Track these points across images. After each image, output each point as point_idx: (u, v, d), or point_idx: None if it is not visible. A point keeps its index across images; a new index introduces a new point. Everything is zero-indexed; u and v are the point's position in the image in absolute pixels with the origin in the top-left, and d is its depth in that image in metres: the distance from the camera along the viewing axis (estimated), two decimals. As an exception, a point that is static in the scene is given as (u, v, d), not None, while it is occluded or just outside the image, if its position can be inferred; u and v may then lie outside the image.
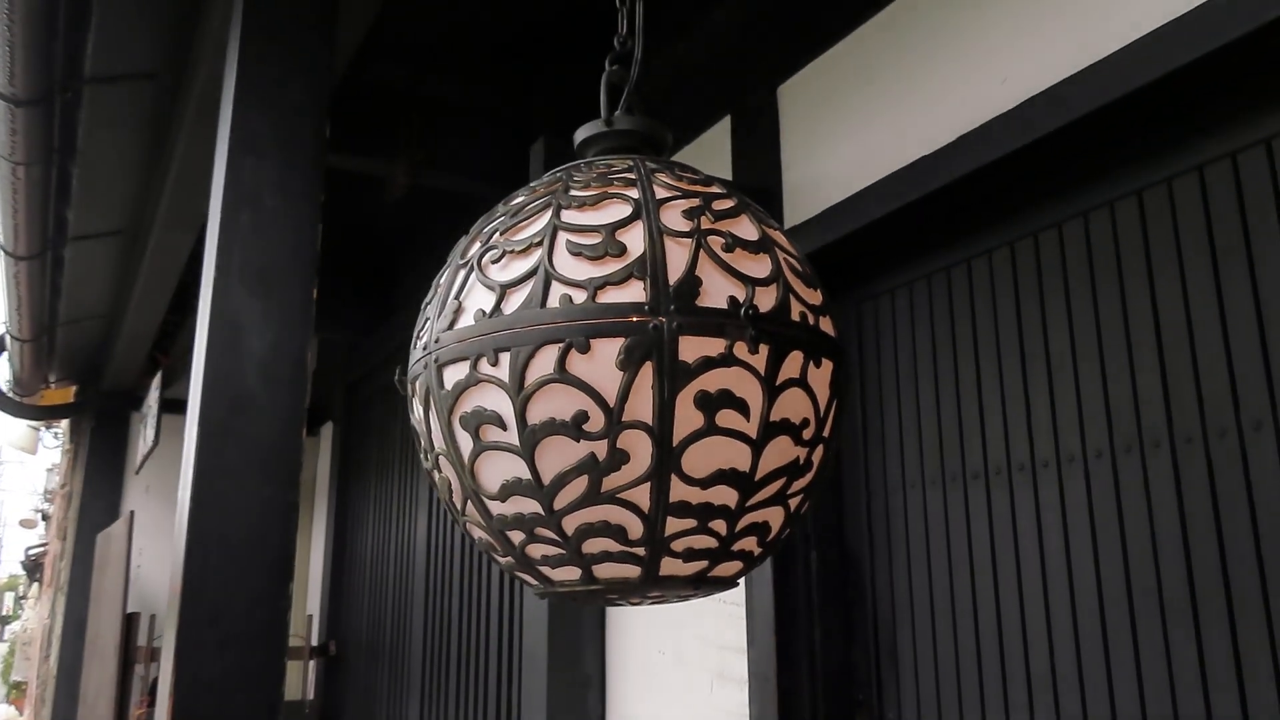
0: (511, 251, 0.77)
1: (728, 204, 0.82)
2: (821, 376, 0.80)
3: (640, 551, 0.75)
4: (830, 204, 2.02)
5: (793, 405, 0.77)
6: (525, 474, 0.74)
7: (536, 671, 2.56)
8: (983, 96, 1.71)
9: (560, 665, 2.53)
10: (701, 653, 2.24)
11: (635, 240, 0.75)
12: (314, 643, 4.92)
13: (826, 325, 0.82)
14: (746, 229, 0.81)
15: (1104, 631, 1.51)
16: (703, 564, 0.78)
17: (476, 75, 2.99)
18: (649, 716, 2.40)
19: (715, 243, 0.77)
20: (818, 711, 1.95)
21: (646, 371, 0.71)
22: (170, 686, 1.37)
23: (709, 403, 0.72)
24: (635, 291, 0.73)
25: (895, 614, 1.91)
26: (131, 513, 4.34)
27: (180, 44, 2.50)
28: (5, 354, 4.84)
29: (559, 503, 0.74)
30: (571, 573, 0.78)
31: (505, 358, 0.73)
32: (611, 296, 0.72)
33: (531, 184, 0.87)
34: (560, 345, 0.72)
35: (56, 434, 8.05)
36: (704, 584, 0.80)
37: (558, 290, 0.73)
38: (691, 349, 0.72)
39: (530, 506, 0.75)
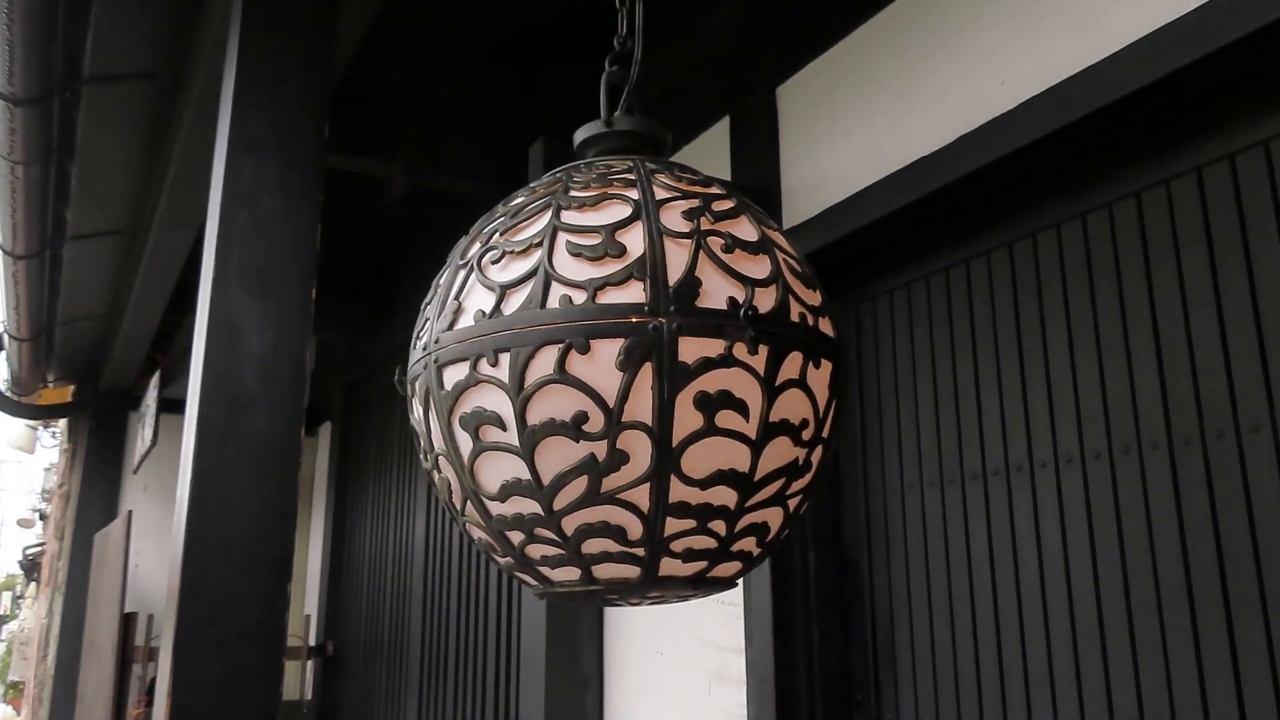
0: (511, 252, 0.78)
1: (727, 205, 0.82)
2: (821, 377, 0.80)
3: (640, 552, 0.75)
4: (829, 204, 2.02)
5: (792, 406, 0.77)
6: (525, 474, 0.74)
7: (535, 672, 2.56)
8: (981, 97, 1.72)
9: (558, 665, 2.53)
10: (700, 653, 2.24)
11: (635, 241, 0.75)
12: (312, 643, 4.92)
13: (826, 326, 0.82)
14: (746, 230, 0.81)
15: (1101, 632, 1.51)
16: (702, 564, 0.78)
17: (476, 75, 2.99)
18: (647, 717, 2.40)
19: (715, 243, 0.77)
20: (815, 712, 1.95)
21: (646, 372, 0.71)
22: (168, 686, 1.36)
23: (708, 403, 0.72)
24: (635, 292, 0.73)
25: (893, 615, 1.91)
26: (129, 512, 4.34)
27: (179, 43, 2.50)
28: (3, 353, 4.84)
29: (559, 503, 0.74)
30: (571, 573, 0.78)
31: (505, 358, 0.73)
32: (611, 297, 0.73)
33: (531, 184, 0.87)
34: (560, 346, 0.72)
35: (54, 433, 8.05)
36: (703, 584, 0.80)
37: (557, 291, 0.73)
38: (691, 350, 0.72)
39: (530, 507, 0.75)
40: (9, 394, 5.39)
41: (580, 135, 0.94)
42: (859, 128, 2.00)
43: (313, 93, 1.67)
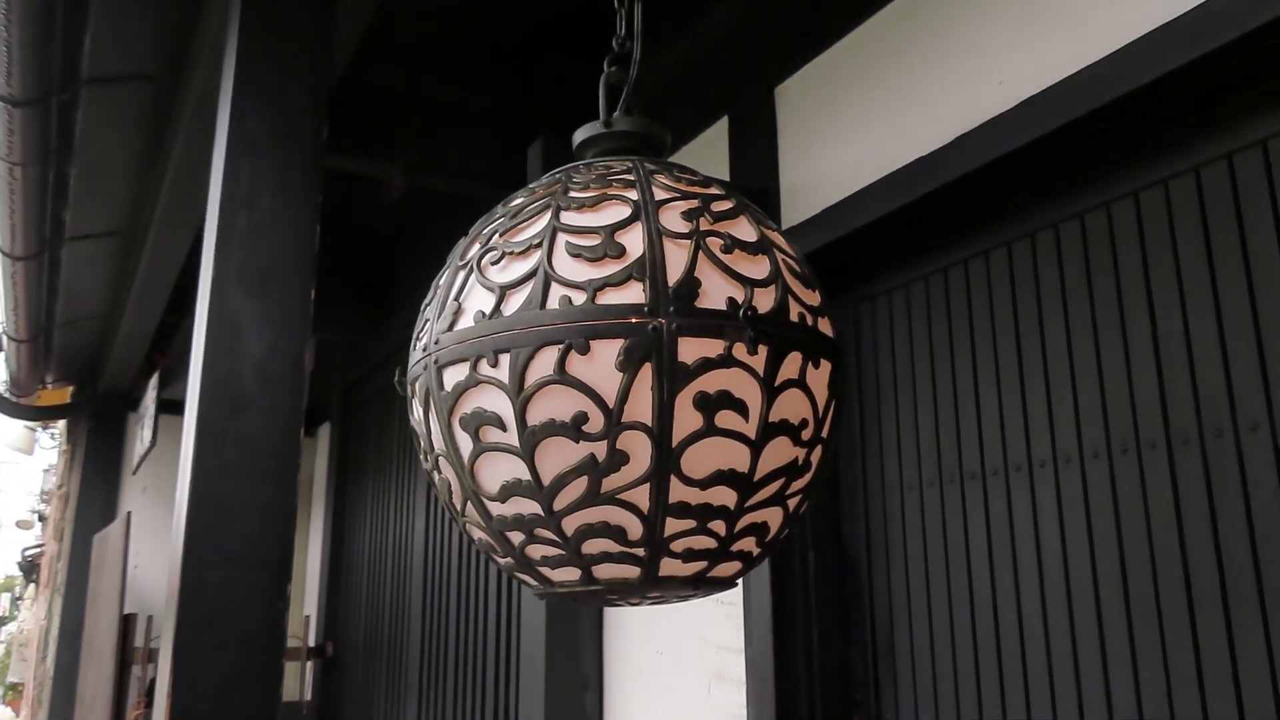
0: (511, 253, 0.78)
1: (726, 205, 0.82)
2: (820, 377, 0.80)
3: (640, 552, 0.75)
4: (828, 204, 2.02)
5: (791, 406, 0.77)
6: (525, 475, 0.74)
7: (534, 672, 2.56)
8: (980, 98, 1.72)
9: (558, 666, 2.53)
10: (699, 653, 2.24)
11: (634, 242, 0.75)
12: (311, 644, 4.91)
13: (825, 326, 0.82)
14: (745, 230, 0.81)
15: (1100, 631, 1.52)
16: (702, 564, 0.78)
17: (475, 76, 2.99)
18: (647, 717, 2.40)
19: (714, 244, 0.77)
20: (815, 712, 1.96)
21: (646, 373, 0.71)
22: (168, 687, 1.36)
23: (708, 404, 0.73)
24: (634, 293, 0.73)
25: (893, 614, 1.91)
26: (129, 513, 4.33)
27: (178, 45, 2.49)
28: (2, 354, 4.83)
29: (559, 503, 0.74)
30: (571, 573, 0.78)
31: (505, 359, 0.73)
32: (611, 298, 0.73)
33: (530, 185, 0.87)
34: (560, 346, 0.72)
35: (53, 435, 8.04)
36: (703, 584, 0.80)
37: (557, 292, 0.74)
38: (691, 350, 0.72)
39: (530, 507, 0.75)
40: (8, 395, 5.38)
41: (579, 136, 0.94)
42: (857, 127, 2.01)
43: (312, 93, 1.67)
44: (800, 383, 0.78)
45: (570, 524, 0.75)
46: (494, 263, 0.78)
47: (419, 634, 3.88)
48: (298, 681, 4.99)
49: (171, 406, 4.72)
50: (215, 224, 1.56)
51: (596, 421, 0.71)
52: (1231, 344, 1.40)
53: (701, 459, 0.73)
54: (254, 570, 1.44)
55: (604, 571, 0.77)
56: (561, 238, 0.76)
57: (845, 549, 2.05)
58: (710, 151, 2.43)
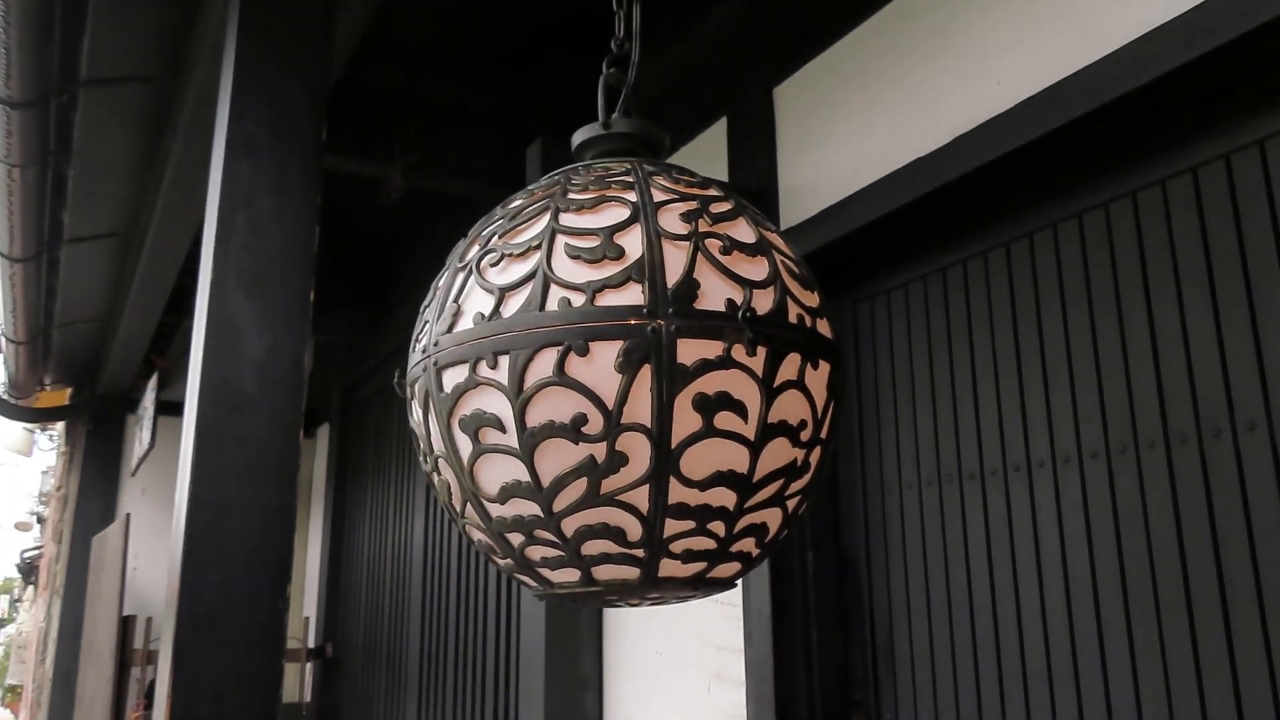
0: (510, 255, 0.78)
1: (725, 207, 0.82)
2: (819, 378, 0.80)
3: (639, 553, 0.76)
4: (826, 205, 2.02)
5: (790, 407, 0.77)
6: (524, 476, 0.74)
7: (534, 673, 2.56)
8: (978, 98, 1.72)
9: (558, 666, 2.53)
10: (699, 654, 2.24)
11: (633, 243, 0.75)
12: (311, 645, 4.91)
13: (824, 327, 0.82)
14: (744, 231, 0.81)
15: (1099, 631, 1.52)
16: (701, 565, 0.79)
17: (474, 77, 2.99)
18: (646, 717, 2.40)
19: (713, 245, 0.77)
20: (815, 712, 1.96)
21: (645, 374, 0.71)
22: (168, 689, 1.36)
23: (707, 405, 0.73)
24: (633, 294, 0.73)
25: (892, 614, 1.91)
26: (127, 515, 4.33)
27: (177, 45, 2.50)
28: (0, 356, 4.83)
29: (558, 505, 0.74)
30: (570, 574, 0.78)
31: (504, 360, 0.73)
32: (610, 299, 0.73)
33: (530, 187, 0.87)
34: (559, 348, 0.72)
35: (52, 436, 8.03)
36: (702, 585, 0.80)
37: (556, 293, 0.74)
38: (690, 351, 0.72)
39: (529, 509, 0.75)
40: (6, 397, 5.38)
41: (578, 137, 0.94)
42: (856, 128, 2.01)
43: (311, 94, 1.67)
44: (799, 384, 0.78)
45: (570, 525, 0.75)
46: (493, 264, 0.78)
47: (418, 635, 3.88)
48: (297, 683, 4.99)
49: (170, 408, 4.72)
50: (214, 225, 1.56)
51: (596, 423, 0.72)
52: (1229, 344, 1.41)
53: (701, 460, 0.73)
54: (254, 571, 1.44)
55: (603, 572, 0.77)
56: (560, 239, 0.77)
57: (844, 549, 2.05)
58: (709, 152, 2.43)
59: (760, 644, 2.00)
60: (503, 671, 3.15)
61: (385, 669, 4.25)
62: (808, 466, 0.81)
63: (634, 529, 0.74)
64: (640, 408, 0.72)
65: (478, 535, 0.83)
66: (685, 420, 0.72)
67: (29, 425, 6.99)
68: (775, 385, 0.76)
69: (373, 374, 4.70)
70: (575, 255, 0.75)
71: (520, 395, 0.73)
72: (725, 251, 0.77)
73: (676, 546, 0.76)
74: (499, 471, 0.76)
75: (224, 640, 1.40)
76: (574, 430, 0.72)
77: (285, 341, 1.54)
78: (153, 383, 4.95)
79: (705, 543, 0.77)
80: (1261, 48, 1.33)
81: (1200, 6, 1.36)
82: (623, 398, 0.71)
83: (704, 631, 2.23)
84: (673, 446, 0.72)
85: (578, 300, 0.73)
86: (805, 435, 0.79)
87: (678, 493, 0.74)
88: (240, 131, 1.60)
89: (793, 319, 0.78)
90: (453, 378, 0.77)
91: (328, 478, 5.26)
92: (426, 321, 0.83)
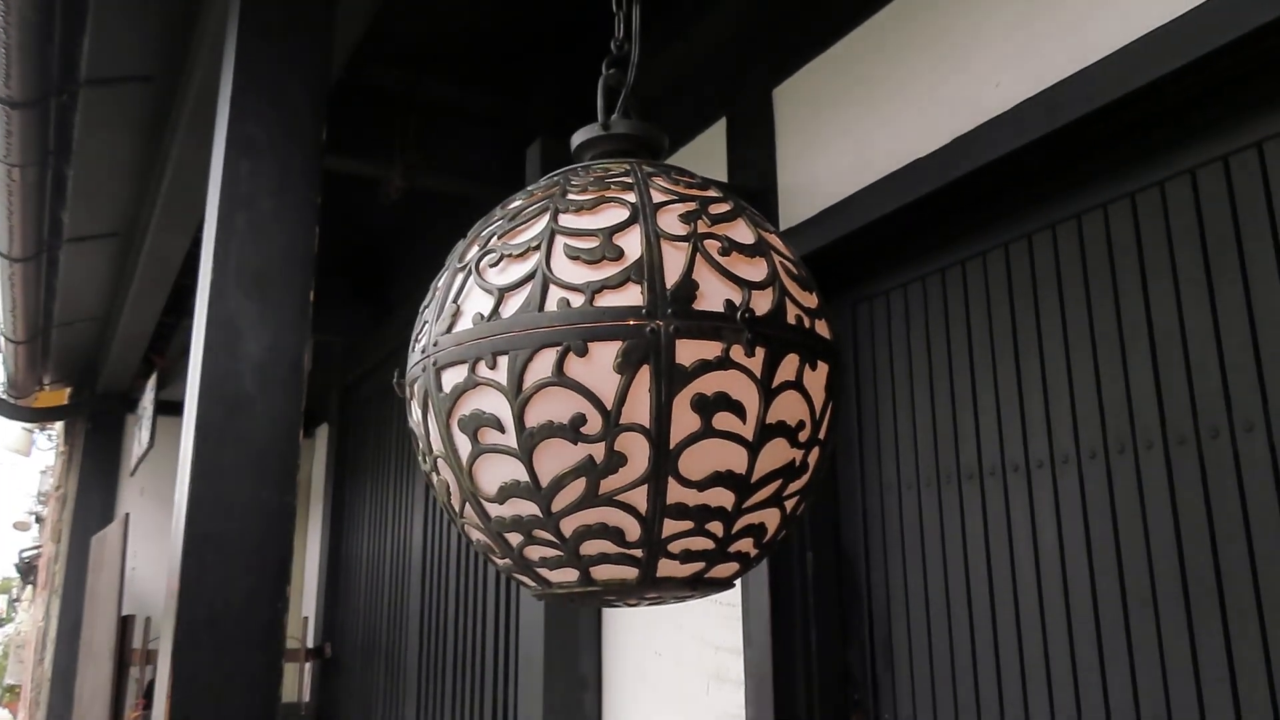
0: (509, 255, 0.78)
1: (724, 208, 0.82)
2: (817, 379, 0.80)
3: (637, 553, 0.76)
4: (825, 206, 2.03)
5: (789, 408, 0.77)
6: (523, 476, 0.74)
7: (533, 673, 2.56)
8: (976, 100, 1.72)
9: (557, 666, 2.53)
10: (698, 654, 2.24)
11: (632, 244, 0.75)
12: (310, 645, 4.91)
13: (822, 328, 0.82)
14: (743, 232, 0.81)
15: (1098, 630, 1.52)
16: (699, 565, 0.79)
17: (474, 77, 2.99)
18: (646, 717, 2.40)
19: (712, 246, 0.77)
20: (814, 712, 1.96)
21: (644, 374, 0.72)
22: (167, 688, 1.37)
23: (706, 405, 0.73)
24: (632, 295, 0.73)
25: (891, 614, 1.91)
26: (126, 515, 4.33)
27: (177, 45, 2.50)
28: (0, 356, 4.83)
29: (557, 505, 0.74)
30: (569, 574, 0.78)
31: (503, 361, 0.74)
32: (609, 300, 0.73)
33: (529, 188, 0.87)
34: (558, 348, 0.72)
35: (50, 436, 8.03)
36: (701, 585, 0.81)
37: (555, 294, 0.74)
38: (688, 352, 0.73)
39: (528, 509, 0.76)
40: (5, 397, 5.38)
41: (577, 138, 0.94)
42: (855, 129, 2.01)
43: (311, 94, 1.67)
44: (797, 384, 0.78)
45: (568, 525, 0.75)
46: (492, 265, 0.79)
47: (417, 635, 3.88)
48: (296, 682, 4.99)
49: (169, 408, 4.72)
50: (214, 224, 1.56)
51: (594, 423, 0.72)
52: (1227, 345, 1.41)
53: (699, 460, 0.74)
54: (253, 571, 1.44)
55: (602, 572, 0.77)
56: (560, 240, 0.77)
57: (843, 549, 2.05)
58: (708, 153, 2.44)
59: (759, 644, 2.00)
60: (502, 672, 3.15)
61: (384, 669, 4.25)
62: (806, 467, 0.81)
63: (632, 529, 0.74)
64: (639, 408, 0.72)
65: (476, 535, 0.83)
66: (684, 420, 0.73)
67: (28, 425, 6.99)
68: (773, 386, 0.76)
69: (372, 374, 4.70)
70: (574, 256, 0.75)
71: (519, 395, 0.73)
72: (724, 252, 0.78)
73: (675, 547, 0.76)
74: (498, 471, 0.76)
75: (223, 640, 1.40)
76: (573, 430, 0.72)
77: (285, 341, 1.54)
78: (152, 382, 4.95)
79: (703, 543, 0.77)
80: (1259, 50, 1.33)
81: (1198, 9, 1.36)
82: (621, 398, 0.72)
83: (703, 632, 2.23)
84: (671, 447, 0.72)
85: (577, 301, 0.73)
86: (803, 436, 0.79)
87: (676, 493, 0.74)
88: (240, 131, 1.60)
89: (791, 320, 0.78)
90: (452, 378, 0.77)
91: (327, 478, 5.26)
92: (426, 322, 0.83)
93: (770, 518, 0.81)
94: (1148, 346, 1.51)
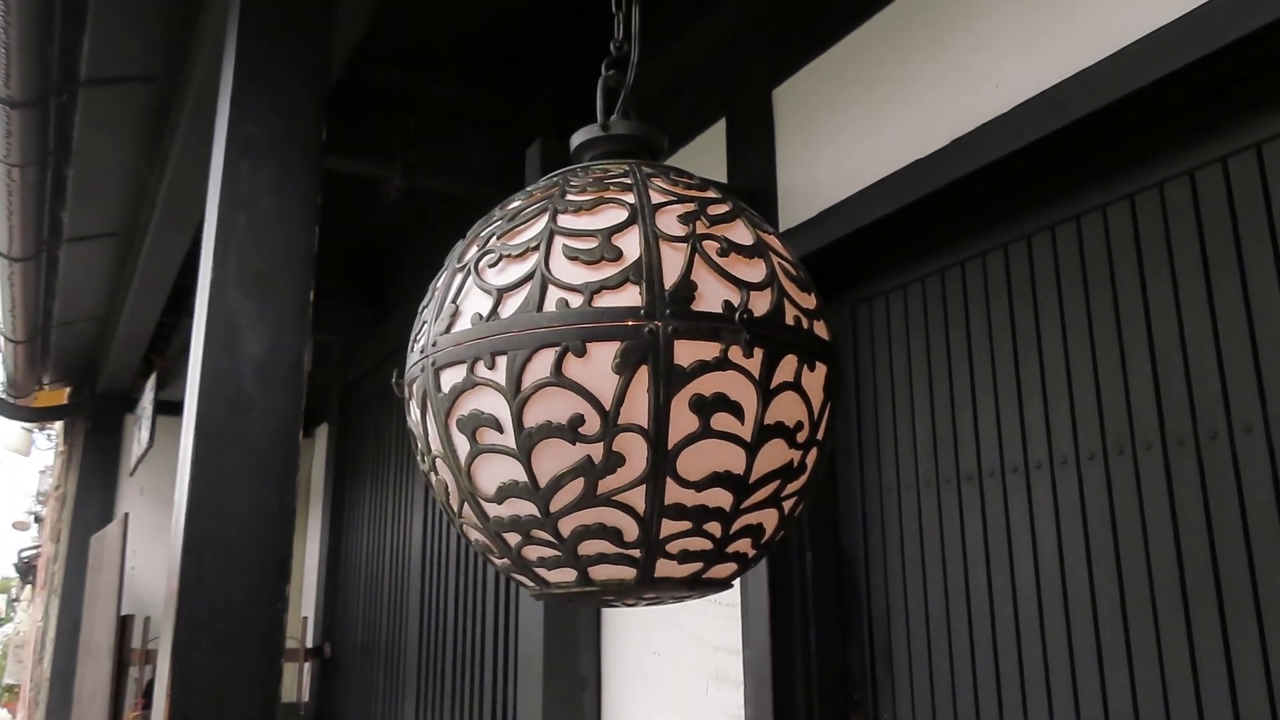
0: (508, 256, 0.78)
1: (723, 209, 0.83)
2: (815, 380, 0.80)
3: (635, 553, 0.76)
4: (825, 207, 2.03)
5: (787, 408, 0.78)
6: (522, 476, 0.75)
7: (532, 673, 2.56)
8: (976, 101, 1.72)
9: (556, 667, 2.53)
10: (697, 654, 2.24)
11: (631, 245, 0.76)
12: (309, 645, 4.91)
13: (821, 329, 0.82)
14: (741, 234, 0.81)
15: (1096, 632, 1.52)
16: (697, 566, 0.79)
17: (474, 77, 2.99)
18: (645, 718, 2.40)
19: (710, 247, 0.78)
20: (813, 712, 1.96)
21: (642, 375, 0.72)
22: (167, 688, 1.37)
23: (704, 406, 0.73)
24: (631, 296, 0.73)
25: (890, 615, 1.91)
26: (126, 514, 4.33)
27: (176, 46, 2.50)
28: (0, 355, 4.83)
29: (555, 505, 0.75)
30: (567, 574, 0.78)
31: (502, 361, 0.74)
32: (607, 301, 0.73)
33: (528, 188, 0.87)
34: (556, 349, 0.72)
35: (50, 435, 8.03)
36: (699, 585, 0.81)
37: (554, 294, 0.74)
38: (687, 353, 0.73)
39: (526, 508, 0.76)
40: (4, 396, 5.38)
41: (577, 139, 0.95)
42: (855, 130, 2.01)
43: (311, 95, 1.68)
44: (796, 385, 0.78)
45: (566, 525, 0.75)
46: (491, 265, 0.79)
47: (417, 635, 3.88)
48: (295, 682, 4.99)
49: (169, 407, 4.73)
50: (214, 225, 1.56)
51: (593, 423, 0.72)
52: (1226, 346, 1.41)
53: (697, 461, 0.74)
54: (253, 571, 1.44)
55: (600, 572, 0.77)
56: (559, 241, 0.77)
57: (843, 550, 2.05)
58: (708, 153, 2.44)
59: (759, 644, 2.00)
60: (501, 671, 3.15)
61: (383, 669, 4.25)
62: (804, 468, 0.82)
63: (630, 529, 0.75)
64: (637, 408, 0.72)
65: (475, 535, 0.83)
66: (682, 421, 0.73)
67: (27, 424, 6.99)
68: (772, 387, 0.76)
69: (372, 374, 4.70)
70: (573, 256, 0.76)
71: (518, 396, 0.73)
72: (723, 253, 0.78)
73: (673, 547, 0.76)
74: (496, 471, 0.76)
75: (223, 640, 1.40)
76: (571, 431, 0.72)
77: (285, 341, 1.54)
78: (151, 382, 4.95)
79: (701, 543, 0.77)
80: (1258, 51, 1.33)
81: (1197, 10, 1.36)
82: (620, 398, 0.72)
83: (702, 632, 2.23)
84: (669, 447, 0.73)
85: (575, 301, 0.73)
86: (802, 436, 0.80)
87: (674, 493, 0.74)
88: (241, 131, 1.60)
89: (789, 321, 0.79)
90: (450, 378, 0.77)
91: (326, 477, 5.26)
92: (425, 322, 0.83)
93: (768, 518, 0.81)
94: (1146, 348, 1.51)
